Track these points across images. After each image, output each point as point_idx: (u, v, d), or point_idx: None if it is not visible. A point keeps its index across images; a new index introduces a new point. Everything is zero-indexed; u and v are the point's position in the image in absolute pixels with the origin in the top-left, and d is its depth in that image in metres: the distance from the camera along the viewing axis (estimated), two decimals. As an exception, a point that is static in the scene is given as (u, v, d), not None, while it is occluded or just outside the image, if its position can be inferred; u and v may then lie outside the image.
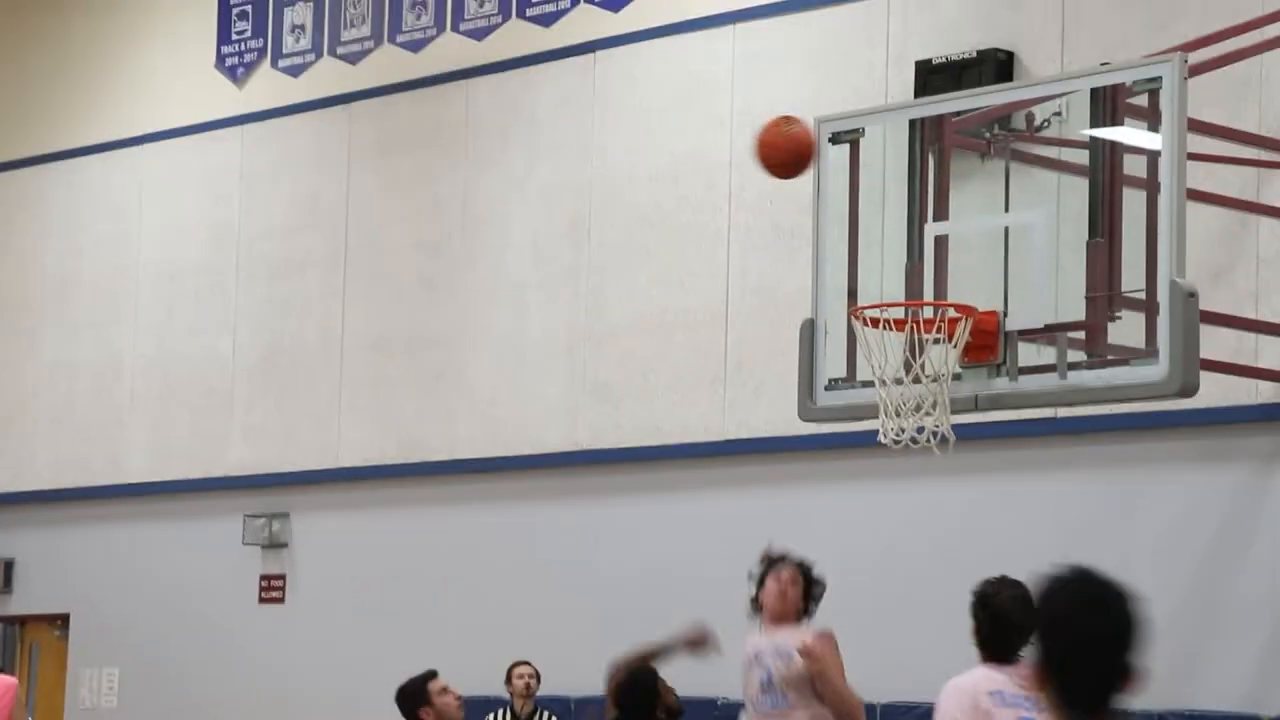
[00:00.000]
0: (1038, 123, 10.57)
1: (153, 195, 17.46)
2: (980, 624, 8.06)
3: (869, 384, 10.11)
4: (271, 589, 16.34)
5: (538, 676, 13.37)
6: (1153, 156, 9.56)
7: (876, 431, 10.06)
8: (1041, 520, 12.43)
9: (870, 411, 10.11)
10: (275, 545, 16.27)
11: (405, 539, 15.52)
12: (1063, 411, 11.99)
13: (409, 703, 9.92)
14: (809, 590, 9.72)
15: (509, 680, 13.37)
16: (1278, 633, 11.60)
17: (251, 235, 16.76)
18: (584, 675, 14.21)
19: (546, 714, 13.38)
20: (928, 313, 9.85)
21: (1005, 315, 9.82)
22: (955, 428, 10.00)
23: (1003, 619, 8.00)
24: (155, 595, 16.95)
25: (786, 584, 9.59)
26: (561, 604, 14.51)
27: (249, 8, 16.99)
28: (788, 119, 9.80)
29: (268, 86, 16.80)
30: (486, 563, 15.03)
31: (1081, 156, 10.03)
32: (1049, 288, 9.77)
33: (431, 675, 9.96)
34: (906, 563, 12.80)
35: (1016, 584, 8.00)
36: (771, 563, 9.88)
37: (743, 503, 13.78)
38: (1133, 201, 9.67)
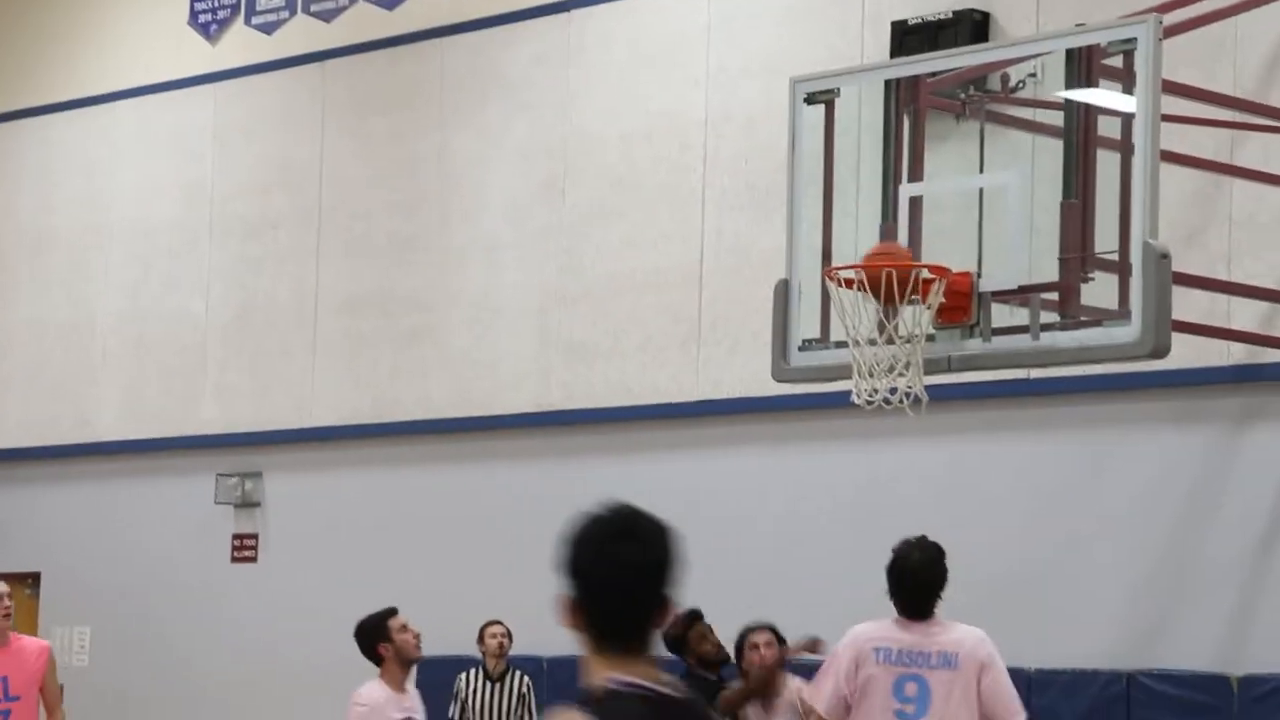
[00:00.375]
0: (1013, 84, 10.56)
1: (126, 153, 17.40)
2: (892, 582, 8.43)
3: (842, 345, 10.10)
4: (244, 548, 16.33)
5: (510, 636, 13.38)
6: (1127, 118, 9.56)
7: (849, 392, 10.06)
8: (1014, 481, 12.46)
9: (843, 372, 10.11)
10: (248, 504, 16.26)
11: (378, 498, 15.51)
12: (1035, 372, 12.01)
13: (368, 638, 9.99)
14: (783, 645, 10.57)
15: (481, 640, 13.38)
16: (1248, 593, 11.65)
17: (224, 194, 16.71)
18: (556, 635, 14.23)
19: (519, 673, 13.40)
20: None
21: (979, 276, 9.82)
22: (928, 388, 10.02)
23: (910, 577, 8.42)
24: (127, 554, 16.93)
25: (764, 650, 10.50)
26: (534, 563, 14.51)
27: (222, -35, 16.92)
28: None
29: (241, 44, 16.74)
30: (459, 522, 15.03)
31: (1056, 118, 10.03)
32: (1023, 249, 9.77)
33: (391, 612, 10.03)
34: (878, 523, 12.81)
35: (929, 545, 8.40)
36: (746, 633, 10.47)
37: (715, 463, 13.79)
38: (1107, 163, 9.67)
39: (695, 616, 10.99)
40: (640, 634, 3.71)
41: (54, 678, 10.91)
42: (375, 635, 10.05)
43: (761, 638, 10.67)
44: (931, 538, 8.98)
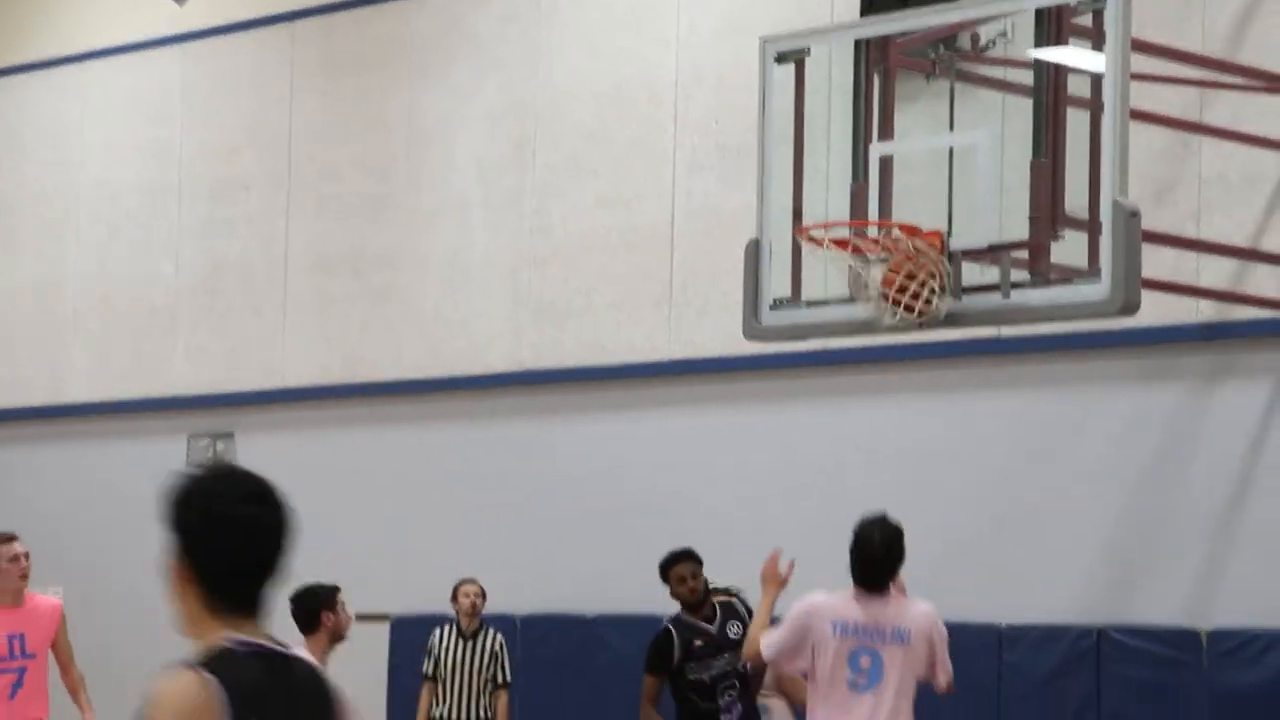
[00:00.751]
0: (983, 43, 10.58)
1: (94, 114, 17.35)
2: (852, 557, 8.83)
3: (814, 304, 10.14)
4: (216, 509, 16.33)
5: (483, 594, 13.42)
6: (1097, 77, 9.59)
7: (822, 351, 10.09)
8: (986, 438, 12.52)
9: (815, 331, 10.14)
10: (220, 465, 16.25)
11: (350, 459, 15.53)
12: (1006, 331, 12.05)
13: (317, 602, 10.19)
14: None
15: (455, 598, 13.42)
16: (1216, 548, 11.73)
17: (193, 155, 16.67)
18: (529, 593, 14.28)
19: (492, 631, 13.45)
20: (872, 232, 9.88)
21: (949, 235, 9.85)
22: (898, 347, 10.06)
23: (869, 555, 8.80)
24: (100, 515, 16.93)
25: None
26: (507, 522, 14.56)
27: (190, -76, 16.84)
28: None
29: (209, 4, 16.67)
30: (431, 481, 15.05)
31: (1026, 77, 10.05)
32: (993, 208, 9.81)
33: (337, 589, 10.23)
34: (850, 481, 12.87)
35: (889, 523, 8.73)
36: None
37: (687, 421, 13.83)
38: (1077, 121, 9.70)
39: (680, 556, 11.06)
40: (255, 596, 3.69)
41: (66, 636, 11.06)
42: (325, 602, 10.20)
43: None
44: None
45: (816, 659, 8.80)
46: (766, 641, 8.94)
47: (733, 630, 10.78)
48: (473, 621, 13.37)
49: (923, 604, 8.98)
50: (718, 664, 10.77)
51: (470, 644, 13.32)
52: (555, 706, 13.98)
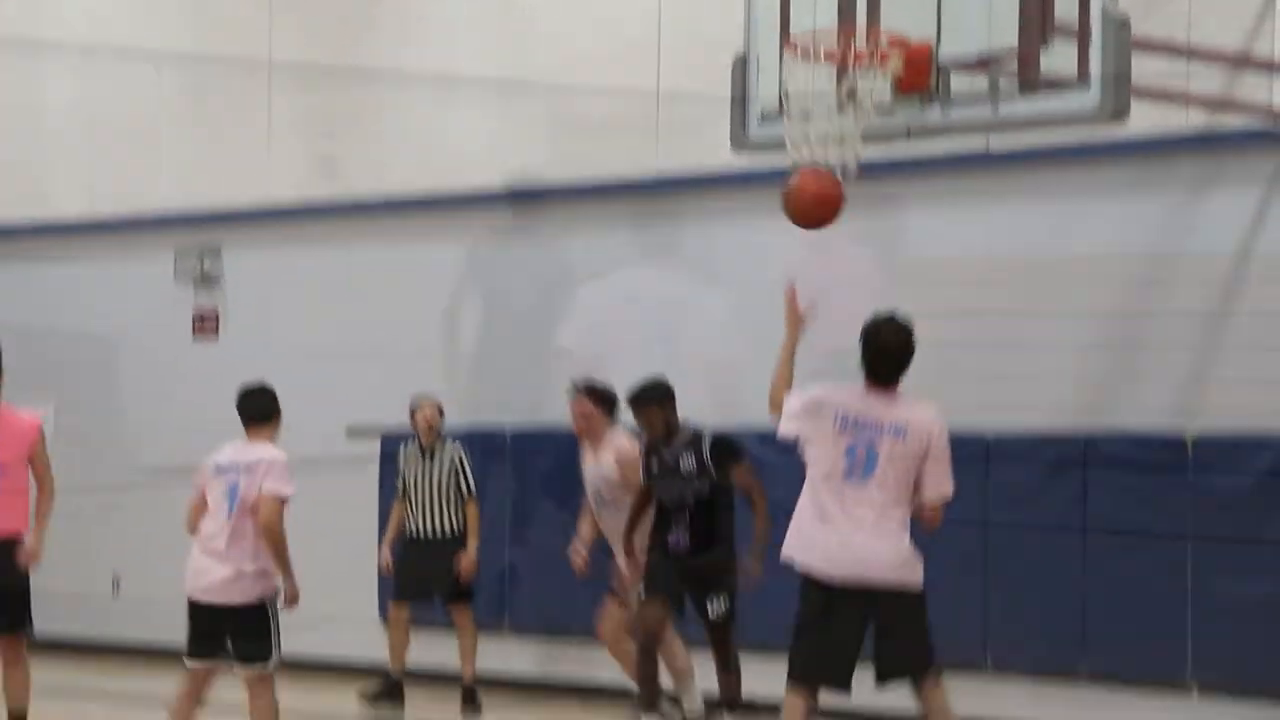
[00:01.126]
0: None
1: (72, -72, 17.17)
2: (862, 352, 8.96)
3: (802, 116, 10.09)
4: (205, 325, 16.35)
5: (441, 412, 13.46)
6: (1089, -119, 9.49)
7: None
8: (973, 249, 12.54)
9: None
10: (208, 281, 16.25)
11: (337, 274, 15.52)
12: (995, 142, 12.02)
13: (277, 401, 10.67)
14: (602, 403, 11.77)
15: (412, 417, 13.49)
16: (1203, 356, 11.80)
17: (174, -32, 16.53)
18: (518, 408, 14.36)
19: (451, 445, 13.47)
20: (860, 44, 9.81)
21: (938, 45, 9.79)
22: (886, 162, 10.04)
23: (880, 349, 8.94)
24: (88, 333, 16.94)
25: (578, 414, 11.92)
26: (496, 338, 14.60)
27: None
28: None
29: None
30: (419, 298, 15.06)
31: (1017, -119, 9.94)
32: (982, 18, 9.74)
33: None
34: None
35: (897, 320, 8.96)
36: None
37: (676, 238, 13.83)
38: (1067, -72, 9.62)
39: (632, 399, 11.22)
40: None
41: (44, 454, 11.16)
42: (278, 403, 10.75)
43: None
44: (893, 306, 9.22)
45: (814, 447, 8.90)
46: (788, 412, 9.00)
47: (685, 462, 11.03)
48: (430, 437, 13.44)
49: (925, 408, 8.99)
50: (670, 490, 11.03)
51: (430, 459, 13.41)
52: (546, 519, 14.09)
